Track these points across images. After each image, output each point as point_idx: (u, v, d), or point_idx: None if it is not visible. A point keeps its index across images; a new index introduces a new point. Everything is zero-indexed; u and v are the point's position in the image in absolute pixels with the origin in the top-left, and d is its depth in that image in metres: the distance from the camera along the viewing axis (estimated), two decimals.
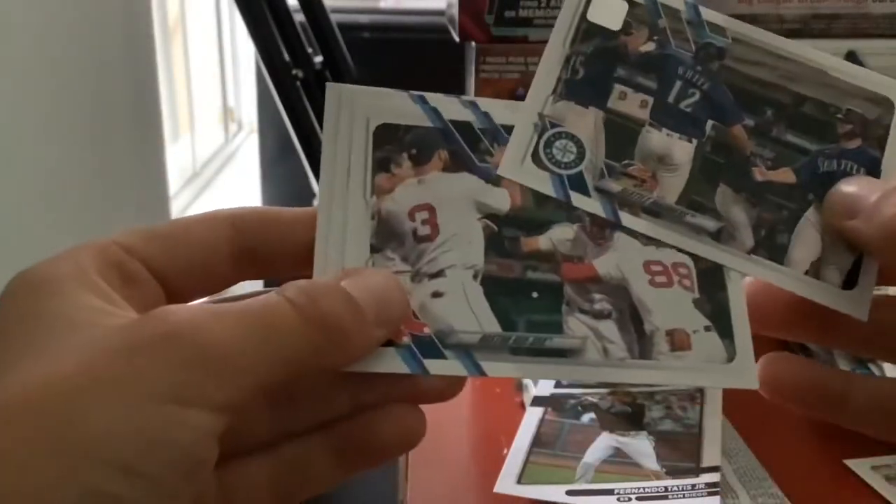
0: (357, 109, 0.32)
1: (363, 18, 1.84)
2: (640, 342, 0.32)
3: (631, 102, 0.33)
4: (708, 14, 0.34)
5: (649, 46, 0.34)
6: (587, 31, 0.33)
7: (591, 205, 0.32)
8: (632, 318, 0.32)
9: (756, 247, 0.33)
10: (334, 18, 1.36)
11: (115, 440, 0.23)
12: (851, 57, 0.65)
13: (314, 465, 0.31)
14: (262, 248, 0.31)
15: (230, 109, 3.10)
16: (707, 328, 0.32)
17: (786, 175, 0.33)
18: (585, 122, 0.33)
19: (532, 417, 0.55)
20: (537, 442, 0.52)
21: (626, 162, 0.33)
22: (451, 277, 0.31)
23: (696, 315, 0.32)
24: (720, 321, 0.32)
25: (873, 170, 0.33)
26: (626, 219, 0.32)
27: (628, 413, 0.55)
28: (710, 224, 0.33)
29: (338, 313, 0.27)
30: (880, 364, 0.57)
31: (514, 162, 0.32)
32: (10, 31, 1.02)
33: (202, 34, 2.77)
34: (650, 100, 0.33)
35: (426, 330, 0.30)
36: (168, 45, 2.29)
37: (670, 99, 0.33)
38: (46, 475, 0.22)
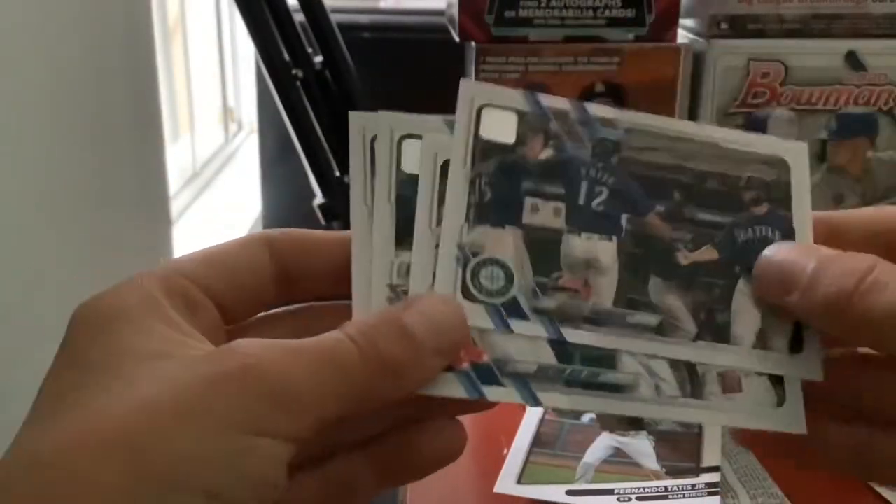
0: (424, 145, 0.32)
1: (363, 18, 1.84)
2: (692, 382, 0.32)
3: (544, 213, 0.33)
4: (596, 109, 0.33)
5: (548, 153, 0.33)
6: (483, 149, 0.32)
7: (531, 328, 0.32)
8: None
9: (700, 332, 0.33)
10: (334, 18, 1.36)
11: (198, 467, 0.25)
12: (851, 57, 0.65)
13: (359, 479, 0.32)
14: (296, 270, 0.32)
15: (230, 109, 3.10)
16: (758, 373, 0.32)
17: (708, 253, 0.33)
18: (505, 244, 0.32)
19: (532, 417, 0.55)
20: (537, 442, 0.52)
21: (555, 275, 0.32)
22: None
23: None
24: None
25: (787, 231, 0.34)
26: (570, 334, 0.32)
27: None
28: (650, 319, 0.32)
29: (395, 352, 0.28)
30: None
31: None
32: (9, 30, 1.02)
33: (202, 34, 2.77)
34: (562, 206, 0.33)
35: (484, 357, 0.31)
36: (168, 45, 2.29)
37: (580, 201, 0.33)
38: (137, 502, 0.24)
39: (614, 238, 0.33)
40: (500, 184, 0.32)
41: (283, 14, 1.30)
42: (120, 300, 0.29)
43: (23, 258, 1.05)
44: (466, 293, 0.32)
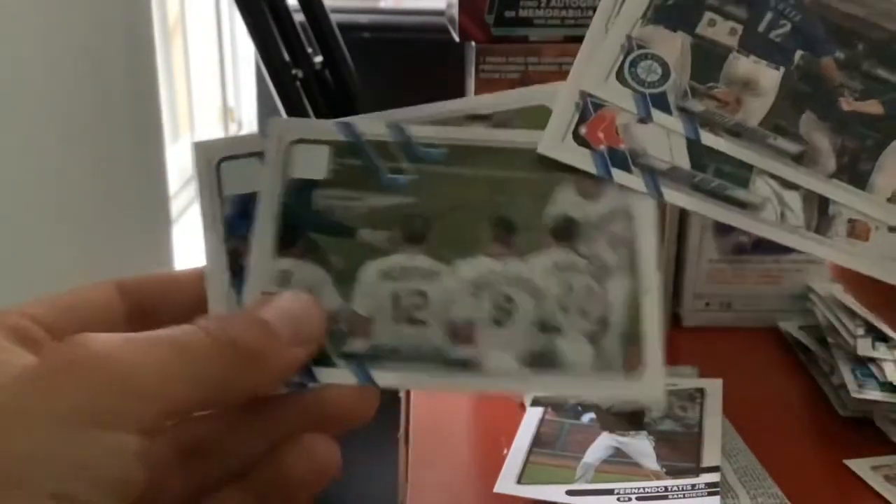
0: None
1: (363, 18, 1.84)
2: (821, 219, 0.33)
3: (720, 29, 0.34)
4: None
5: None
6: None
7: (672, 123, 0.33)
8: (819, 198, 0.33)
9: (837, 171, 0.34)
10: (334, 18, 1.36)
11: (39, 467, 0.24)
12: None
13: None
14: (150, 306, 0.32)
15: (230, 109, 3.10)
16: (892, 229, 0.33)
17: (873, 107, 0.34)
18: (672, 45, 0.34)
19: (532, 417, 0.55)
20: (537, 442, 0.52)
21: (710, 84, 0.34)
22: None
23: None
24: None
25: None
26: (707, 137, 0.33)
27: (628, 413, 0.55)
28: (791, 147, 0.34)
29: (248, 336, 0.28)
30: (880, 364, 0.57)
31: (598, 78, 0.34)
32: (9, 30, 1.02)
33: (202, 34, 2.77)
34: (739, 28, 0.34)
35: (622, 145, 0.33)
36: (168, 45, 2.29)
37: (760, 28, 0.34)
38: None
39: (781, 69, 0.34)
40: None
41: (283, 14, 1.30)
42: None
43: (23, 258, 1.05)
44: (620, 77, 0.33)
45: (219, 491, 0.31)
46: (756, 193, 0.33)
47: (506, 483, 0.49)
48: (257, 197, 0.33)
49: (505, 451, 0.52)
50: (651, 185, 0.33)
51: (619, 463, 0.50)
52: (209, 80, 2.88)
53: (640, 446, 0.52)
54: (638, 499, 0.47)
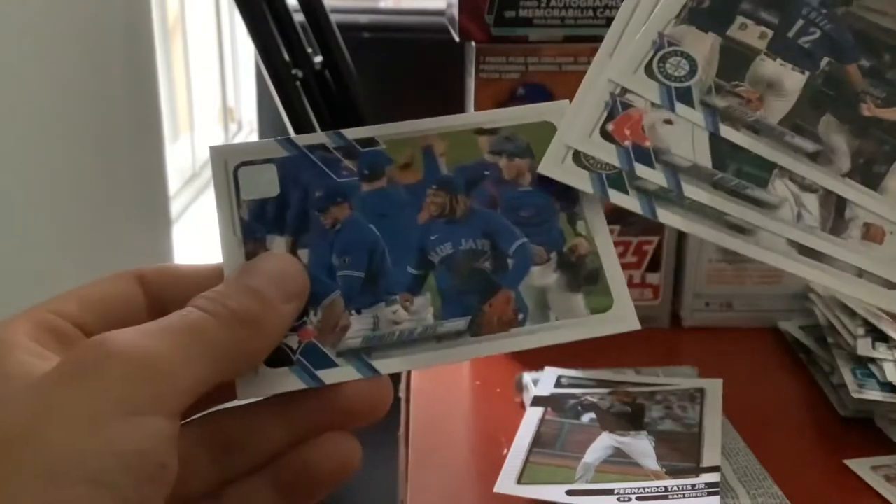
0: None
1: (363, 18, 1.84)
2: (836, 221, 0.34)
3: (750, 33, 0.36)
4: None
5: None
6: None
7: (693, 115, 0.35)
8: (836, 201, 0.34)
9: (851, 171, 0.35)
10: (334, 18, 1.36)
11: (75, 458, 0.25)
12: None
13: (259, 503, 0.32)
14: (169, 299, 0.33)
15: (230, 109, 3.10)
16: None
17: (894, 114, 0.35)
18: (702, 45, 0.36)
19: (532, 417, 0.55)
20: (537, 442, 0.52)
21: (735, 83, 0.35)
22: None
23: None
24: None
25: None
26: (726, 131, 0.34)
27: (628, 413, 0.55)
28: (808, 145, 0.35)
29: (246, 306, 0.30)
30: (881, 365, 0.57)
31: (626, 70, 0.35)
32: (9, 30, 1.02)
33: (202, 34, 2.77)
34: (770, 33, 0.36)
35: (646, 143, 0.34)
36: (168, 45, 2.29)
37: (790, 34, 0.36)
38: (21, 501, 0.24)
39: (807, 73, 0.36)
40: None
41: (283, 14, 1.30)
42: None
43: (23, 258, 1.05)
44: (649, 70, 0.35)
45: (243, 483, 0.32)
46: (774, 193, 0.34)
47: (506, 483, 0.49)
48: (224, 220, 0.34)
49: (505, 451, 0.52)
50: (672, 181, 0.34)
51: (619, 463, 0.50)
52: (209, 80, 2.88)
53: (640, 446, 0.52)
54: (638, 499, 0.47)
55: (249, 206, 0.34)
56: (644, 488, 0.48)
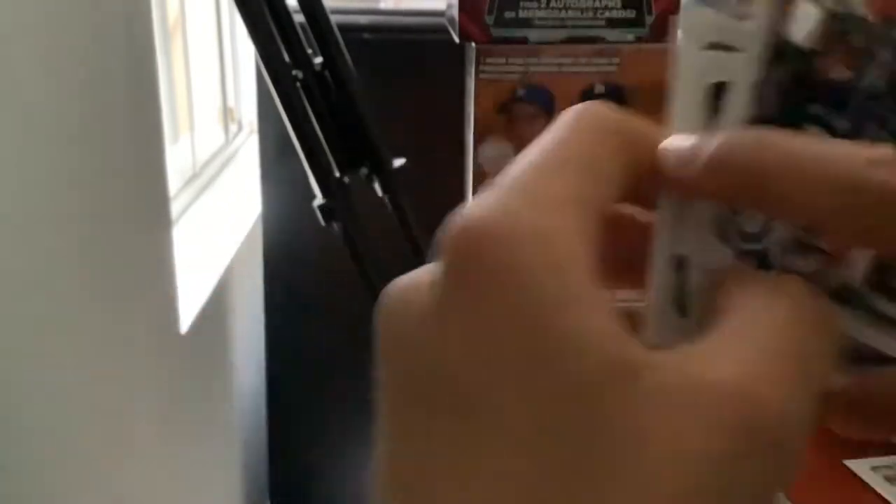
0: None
1: (363, 19, 1.84)
2: None
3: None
4: None
5: (842, 72, 0.26)
6: (779, 49, 0.25)
7: None
8: None
9: None
10: (334, 19, 1.36)
11: (790, 426, 0.23)
12: None
13: None
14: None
15: (230, 109, 3.10)
16: None
17: None
18: None
19: None
20: None
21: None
22: None
23: None
24: None
25: None
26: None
27: None
28: None
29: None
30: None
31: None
32: (9, 31, 1.02)
33: (202, 34, 2.77)
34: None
35: None
36: (168, 45, 2.29)
37: (863, 138, 0.26)
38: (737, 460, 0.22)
39: None
40: (789, 97, 0.26)
41: (283, 14, 1.30)
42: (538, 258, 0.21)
43: (23, 259, 1.05)
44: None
45: None
46: None
47: None
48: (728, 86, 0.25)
49: None
50: None
51: None
52: (209, 80, 2.88)
53: None
54: None
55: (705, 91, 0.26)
56: None
